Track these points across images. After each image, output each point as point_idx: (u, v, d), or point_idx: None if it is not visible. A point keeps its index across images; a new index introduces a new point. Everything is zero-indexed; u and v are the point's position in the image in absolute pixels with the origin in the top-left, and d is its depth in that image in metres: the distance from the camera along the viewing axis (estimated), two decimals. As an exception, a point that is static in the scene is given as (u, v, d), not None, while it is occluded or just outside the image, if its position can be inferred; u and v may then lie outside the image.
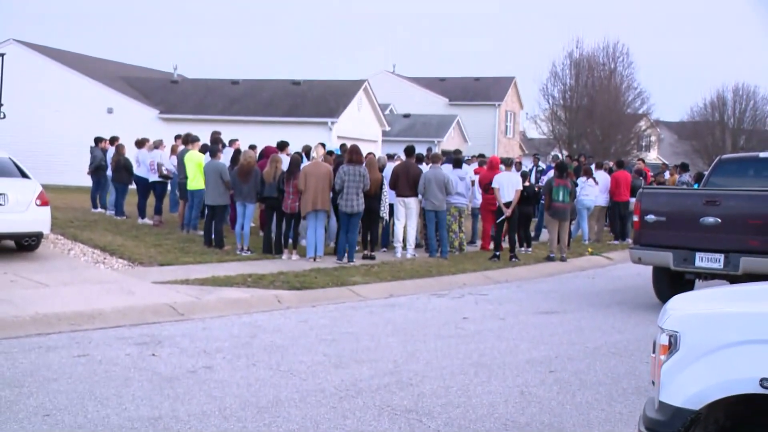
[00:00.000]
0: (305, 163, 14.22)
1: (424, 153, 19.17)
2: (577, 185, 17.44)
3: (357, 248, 14.12)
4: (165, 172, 16.82)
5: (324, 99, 31.05)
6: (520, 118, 56.25)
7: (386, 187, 14.27)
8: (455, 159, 16.45)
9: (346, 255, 13.52)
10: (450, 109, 49.66)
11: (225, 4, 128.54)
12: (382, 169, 14.81)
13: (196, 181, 15.06)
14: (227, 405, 6.02)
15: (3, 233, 11.85)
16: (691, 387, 3.93)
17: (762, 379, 3.74)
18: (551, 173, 17.88)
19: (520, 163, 22.36)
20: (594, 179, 18.75)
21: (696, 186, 16.55)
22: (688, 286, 11.05)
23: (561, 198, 15.40)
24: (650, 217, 10.83)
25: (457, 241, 15.76)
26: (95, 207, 18.77)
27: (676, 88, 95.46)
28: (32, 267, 11.30)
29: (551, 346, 8.43)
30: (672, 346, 4.09)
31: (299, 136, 23.18)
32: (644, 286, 12.55)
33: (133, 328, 8.54)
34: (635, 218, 11.15)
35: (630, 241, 16.37)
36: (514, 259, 15.06)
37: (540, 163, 23.88)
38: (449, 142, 41.55)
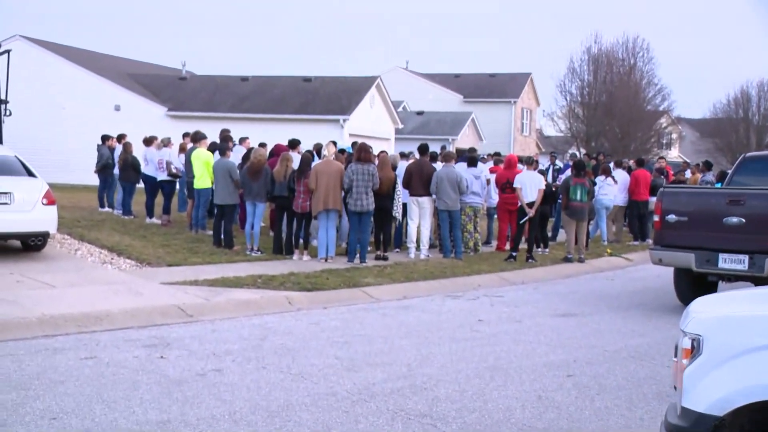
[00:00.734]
0: (316, 161, 14.24)
1: (438, 151, 19.16)
2: (595, 184, 17.35)
3: (369, 249, 14.12)
4: (173, 171, 16.88)
5: (336, 96, 31.08)
6: (536, 116, 56.14)
7: (399, 186, 14.27)
8: (470, 157, 16.41)
9: (358, 255, 13.52)
10: (465, 106, 49.61)
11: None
12: (394, 168, 14.80)
13: (202, 180, 15.10)
14: (237, 409, 6.03)
15: (9, 233, 11.93)
16: (714, 392, 3.90)
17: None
18: (568, 172, 17.80)
19: (537, 162, 22.28)
20: (613, 178, 18.67)
21: (719, 185, 16.44)
22: (711, 288, 10.97)
23: (579, 197, 15.33)
24: (671, 217, 10.76)
25: (472, 242, 15.73)
26: (102, 206, 18.86)
27: (698, 84, 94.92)
28: (38, 267, 11.36)
29: (569, 349, 8.40)
30: (695, 350, 4.06)
31: (310, 133, 23.21)
32: (665, 288, 12.48)
33: (141, 330, 8.58)
34: (656, 218, 11.09)
35: (650, 241, 16.26)
36: (530, 260, 15.01)
37: (557, 162, 23.78)
38: (464, 140, 41.49)
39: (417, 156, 15.47)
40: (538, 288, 12.93)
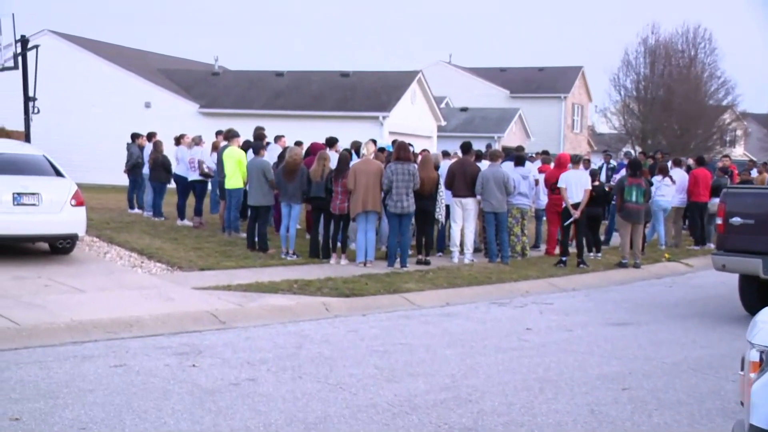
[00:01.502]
0: (355, 160, 14.27)
1: (483, 150, 19.10)
2: (651, 184, 17.17)
3: (410, 252, 14.11)
4: (206, 170, 17.00)
5: (375, 92, 31.14)
6: (588, 112, 55.69)
7: (442, 187, 14.24)
8: (517, 156, 16.34)
9: (398, 260, 13.52)
10: (511, 102, 49.37)
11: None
12: (437, 167, 14.78)
13: (234, 180, 15.20)
14: (272, 420, 6.06)
15: (37, 235, 12.15)
16: (785, 409, 3.82)
17: None
18: (623, 171, 17.63)
19: (588, 161, 22.11)
20: (671, 178, 18.43)
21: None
22: (780, 296, 10.78)
23: (634, 198, 15.19)
24: (736, 220, 10.59)
25: (520, 246, 15.64)
26: (132, 207, 19.11)
27: (766, 76, 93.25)
28: (67, 271, 11.56)
29: (624, 360, 8.31)
30: (763, 363, 3.99)
31: (348, 131, 23.28)
32: (729, 296, 12.28)
33: (172, 337, 8.67)
34: (719, 221, 10.92)
35: (712, 246, 16.06)
36: (582, 265, 14.90)
37: (611, 161, 23.59)
38: (510, 137, 41.29)
39: (460, 155, 15.42)
40: (591, 295, 12.82)
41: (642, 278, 14.87)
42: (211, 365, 7.55)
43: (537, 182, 16.43)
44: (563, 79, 51.52)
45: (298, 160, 13.80)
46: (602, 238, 17.75)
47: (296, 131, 21.13)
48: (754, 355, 4.06)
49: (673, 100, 43.94)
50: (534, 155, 20.05)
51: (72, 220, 12.19)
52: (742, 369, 4.24)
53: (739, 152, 55.19)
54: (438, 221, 14.61)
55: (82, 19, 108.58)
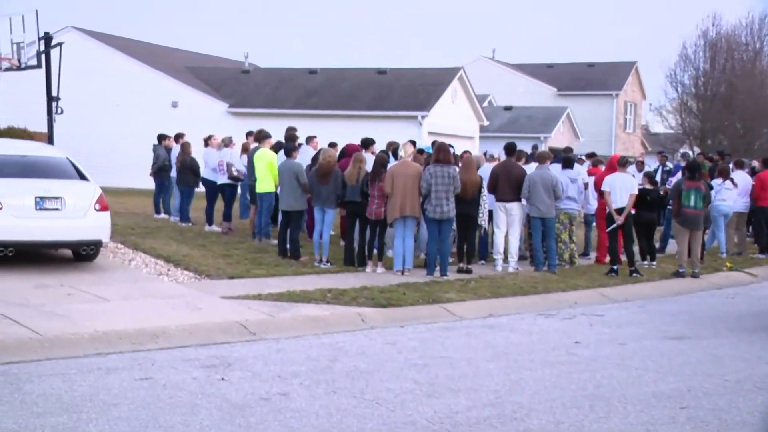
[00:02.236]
0: (392, 162, 14.28)
1: (529, 151, 19.01)
2: (711, 188, 16.96)
3: (451, 260, 14.09)
4: (235, 173, 17.10)
5: (413, 90, 31.16)
6: (642, 110, 55.21)
7: (485, 191, 14.20)
8: (565, 158, 16.24)
9: (438, 268, 13.50)
10: (559, 100, 49.12)
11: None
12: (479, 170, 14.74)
13: (265, 183, 15.27)
14: (305, 437, 6.08)
15: (60, 241, 12.30)
16: None
17: None
18: (680, 174, 17.44)
19: (642, 163, 21.92)
20: (732, 181, 18.20)
21: None
22: None
23: (692, 203, 15.03)
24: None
25: (568, 253, 15.54)
26: (158, 212, 19.30)
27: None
28: (90, 279, 11.71)
29: (682, 377, 8.22)
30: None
31: (385, 132, 23.29)
32: (795, 308, 12.10)
33: (200, 349, 8.74)
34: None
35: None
36: (635, 275, 14.76)
37: (667, 163, 23.32)
38: (558, 138, 41.07)
39: (503, 157, 15.37)
40: (645, 306, 12.70)
41: (701, 289, 14.70)
42: (240, 379, 7.59)
43: (586, 186, 16.32)
44: (615, 76, 51.12)
45: (332, 163, 13.84)
46: (657, 245, 17.55)
47: (330, 132, 21.19)
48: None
49: (735, 97, 43.40)
50: (583, 157, 19.91)
51: (96, 226, 12.32)
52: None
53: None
54: (480, 227, 14.56)
55: (107, 15, 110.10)
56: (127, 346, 8.56)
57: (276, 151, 15.66)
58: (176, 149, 18.55)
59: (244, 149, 17.58)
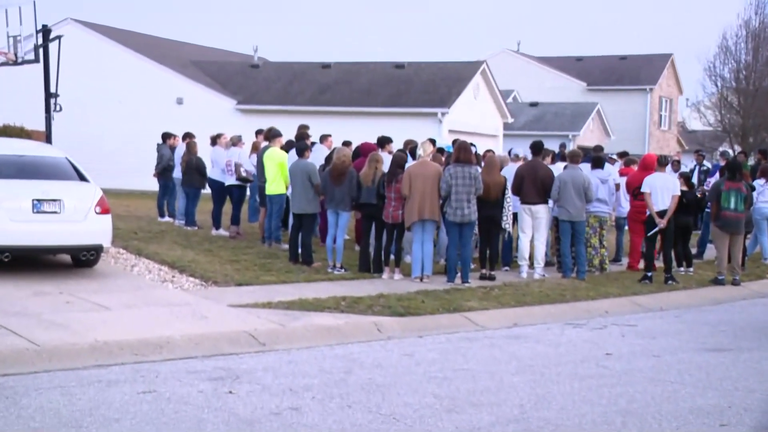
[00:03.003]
0: (410, 162, 14.29)
1: (557, 150, 18.96)
2: (753, 189, 16.88)
3: (473, 266, 14.08)
4: (244, 174, 17.12)
5: (433, 85, 31.17)
6: (678, 106, 54.99)
7: (509, 193, 14.18)
8: (595, 157, 16.20)
9: (459, 274, 13.50)
10: (588, 95, 49.05)
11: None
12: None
13: (276, 185, 15.31)
14: (317, 455, 6.09)
15: (58, 246, 12.36)
16: None
17: None
18: (719, 174, 17.35)
19: (678, 162, 21.84)
20: (775, 182, 18.09)
21: None
22: None
23: (733, 205, 14.97)
24: None
25: (598, 259, 15.50)
26: (162, 215, 19.38)
27: None
28: (90, 286, 11.77)
29: (722, 392, 8.18)
30: None
31: (403, 129, 23.30)
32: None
33: (206, 360, 8.76)
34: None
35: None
36: (670, 282, 14.71)
37: (705, 162, 23.24)
38: (587, 136, 40.98)
39: (529, 156, 15.34)
40: (681, 316, 12.65)
41: (742, 297, 14.64)
42: (249, 392, 7.61)
43: (618, 187, 16.27)
44: (649, 69, 50.95)
45: (346, 163, 13.86)
46: (694, 250, 17.47)
47: (344, 130, 21.23)
48: None
49: (779, 92, 43.17)
50: (614, 157, 19.85)
51: (97, 230, 12.37)
52: None
53: None
54: (504, 231, 14.55)
55: (108, 7, 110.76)
56: (130, 358, 8.60)
57: (287, 151, 15.69)
58: (181, 148, 18.55)
59: (254, 148, 17.62)
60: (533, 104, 44.49)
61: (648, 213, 14.83)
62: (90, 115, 30.81)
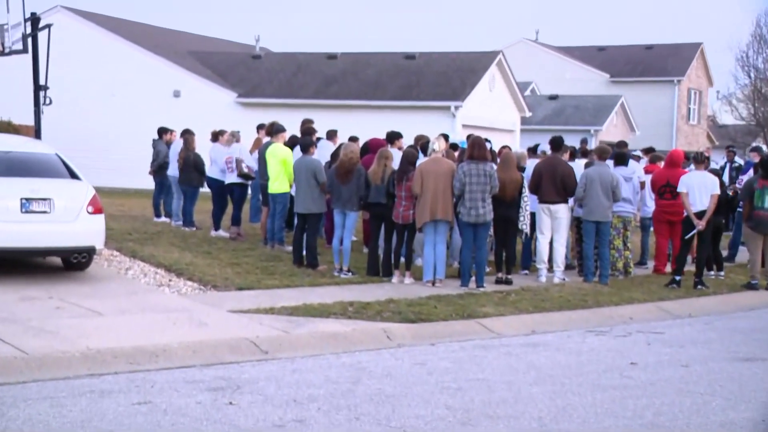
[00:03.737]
0: (422, 159, 14.29)
1: (578, 146, 18.93)
2: (788, 187, 16.82)
3: (488, 270, 14.07)
4: (245, 171, 17.07)
5: (446, 77, 31.17)
6: (708, 99, 54.89)
7: (526, 191, 14.17)
8: (618, 154, 16.15)
9: (473, 278, 13.49)
10: (612, 87, 48.98)
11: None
12: (521, 168, 14.71)
13: (279, 183, 15.30)
14: (323, 470, 6.10)
15: (48, 248, 12.39)
16: None
17: None
18: (752, 172, 17.31)
19: (708, 159, 21.75)
20: (812, 179, 18.04)
21: None
22: None
23: (766, 205, 14.91)
24: None
25: (622, 262, 15.48)
26: (158, 215, 19.41)
27: None
28: (82, 290, 11.79)
29: (755, 405, 8.16)
30: None
31: (414, 124, 23.31)
32: None
33: (205, 369, 8.77)
34: None
35: None
36: (700, 286, 14.69)
37: (736, 159, 23.19)
38: (610, 131, 40.93)
39: (548, 152, 15.32)
40: (711, 323, 12.63)
41: (776, 303, 14.59)
42: (251, 403, 7.62)
43: (642, 185, 16.24)
44: (677, 60, 50.83)
45: (354, 159, 13.87)
46: (725, 253, 17.42)
47: (351, 124, 21.26)
48: None
49: (817, 83, 43.08)
50: (639, 153, 19.81)
51: (89, 231, 12.40)
52: None
53: None
54: (522, 232, 14.53)
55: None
56: (124, 366, 8.61)
57: (291, 147, 15.70)
58: (178, 144, 18.50)
59: (256, 144, 17.63)
60: (552, 97, 44.44)
61: (685, 214, 14.78)
62: (81, 109, 30.85)
